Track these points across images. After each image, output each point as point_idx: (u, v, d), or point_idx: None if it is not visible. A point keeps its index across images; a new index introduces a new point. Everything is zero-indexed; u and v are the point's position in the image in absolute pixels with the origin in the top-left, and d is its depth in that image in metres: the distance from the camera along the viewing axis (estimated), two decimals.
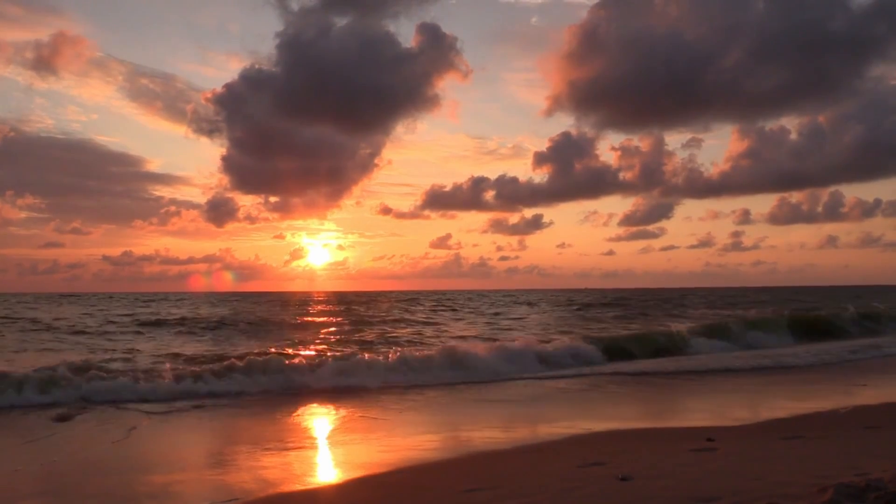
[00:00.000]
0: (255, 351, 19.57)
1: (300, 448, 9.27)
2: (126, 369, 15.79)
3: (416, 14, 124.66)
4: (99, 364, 16.50)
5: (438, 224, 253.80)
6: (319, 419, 11.92)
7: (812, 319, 31.17)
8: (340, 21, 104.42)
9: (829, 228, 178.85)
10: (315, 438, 10.16)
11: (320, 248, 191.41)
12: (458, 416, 12.28)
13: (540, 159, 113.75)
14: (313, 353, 20.14)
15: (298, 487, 7.31)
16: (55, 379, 13.76)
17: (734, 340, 24.68)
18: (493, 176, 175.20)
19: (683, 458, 7.57)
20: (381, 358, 17.39)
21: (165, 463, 8.46)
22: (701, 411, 12.62)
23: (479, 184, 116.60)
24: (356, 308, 58.44)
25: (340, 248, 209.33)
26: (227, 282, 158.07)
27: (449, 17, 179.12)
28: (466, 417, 12.01)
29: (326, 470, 8.25)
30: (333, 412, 12.36)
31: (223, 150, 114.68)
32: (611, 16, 72.39)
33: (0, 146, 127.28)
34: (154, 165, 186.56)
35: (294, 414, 12.17)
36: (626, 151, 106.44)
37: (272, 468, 8.08)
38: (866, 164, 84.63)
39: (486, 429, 10.59)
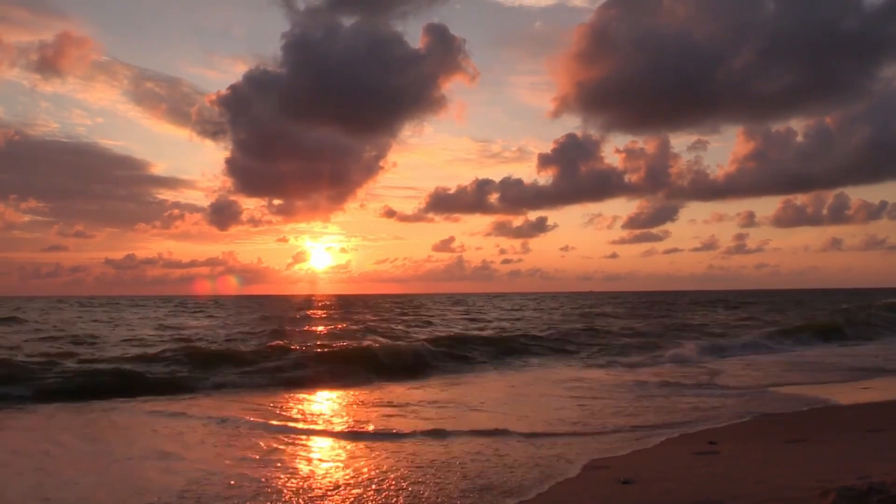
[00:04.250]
0: None
1: None
2: None
3: (424, 14, 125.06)
4: None
5: (442, 227, 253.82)
6: None
7: None
8: (347, 21, 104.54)
9: (833, 231, 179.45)
10: None
11: (323, 251, 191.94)
12: None
13: (544, 161, 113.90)
14: None
15: None
16: None
17: None
18: (497, 179, 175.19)
19: (686, 462, 7.54)
20: None
21: None
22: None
23: (483, 186, 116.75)
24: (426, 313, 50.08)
25: (343, 251, 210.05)
26: (229, 285, 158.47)
27: (453, 20, 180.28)
28: None
29: None
30: None
31: (227, 153, 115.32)
32: (619, 16, 72.49)
33: (4, 149, 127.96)
34: (158, 169, 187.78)
35: None
36: (631, 154, 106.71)
37: None
38: (873, 166, 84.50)
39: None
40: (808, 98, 79.60)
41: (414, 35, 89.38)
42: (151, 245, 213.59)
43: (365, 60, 66.09)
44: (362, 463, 7.82)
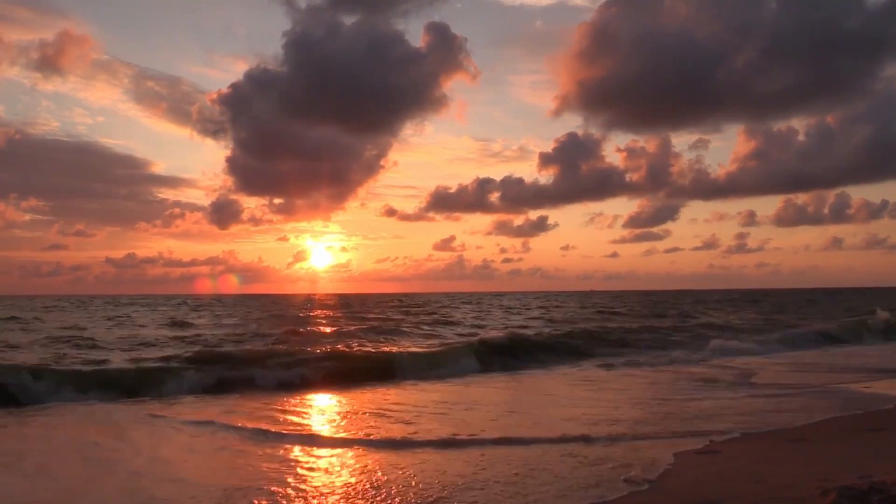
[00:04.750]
0: None
1: None
2: None
3: (425, 13, 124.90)
4: None
5: (443, 226, 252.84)
6: None
7: None
8: (349, 20, 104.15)
9: (834, 230, 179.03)
10: None
11: (324, 250, 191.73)
12: None
13: (545, 160, 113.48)
14: None
15: None
16: None
17: None
18: (498, 178, 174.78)
19: (686, 461, 7.59)
20: None
21: None
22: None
23: (483, 185, 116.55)
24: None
25: (344, 249, 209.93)
26: (230, 284, 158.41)
27: (454, 19, 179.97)
28: None
29: None
30: None
31: (228, 152, 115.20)
32: (620, 15, 72.30)
33: (5, 148, 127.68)
34: (159, 168, 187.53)
35: None
36: (632, 153, 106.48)
37: None
38: (874, 165, 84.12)
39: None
40: (809, 97, 79.42)
41: (415, 34, 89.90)
42: (152, 244, 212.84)
43: (366, 59, 65.92)
44: (437, 471, 7.21)
